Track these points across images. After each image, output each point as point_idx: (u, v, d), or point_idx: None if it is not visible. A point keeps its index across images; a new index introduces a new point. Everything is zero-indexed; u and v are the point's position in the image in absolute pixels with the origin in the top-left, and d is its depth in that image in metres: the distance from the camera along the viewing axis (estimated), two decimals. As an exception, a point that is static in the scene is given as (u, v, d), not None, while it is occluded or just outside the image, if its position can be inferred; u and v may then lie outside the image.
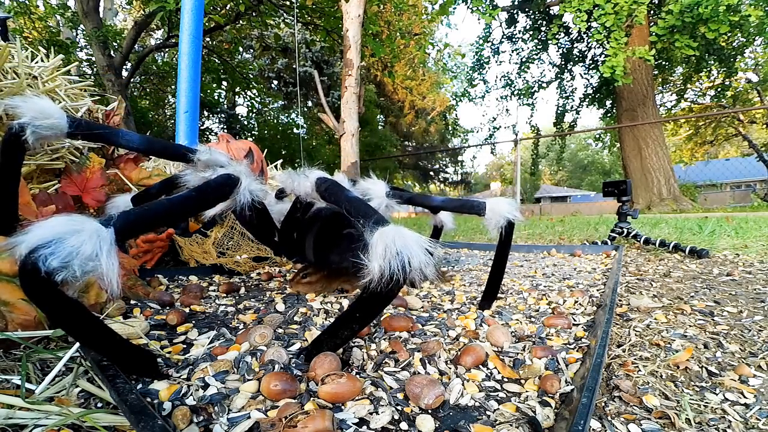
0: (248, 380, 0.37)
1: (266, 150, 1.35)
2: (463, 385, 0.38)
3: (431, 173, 15.88)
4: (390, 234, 0.34)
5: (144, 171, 1.00)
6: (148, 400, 0.33)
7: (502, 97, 8.68)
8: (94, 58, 5.65)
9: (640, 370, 0.46)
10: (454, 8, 6.73)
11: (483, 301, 0.64)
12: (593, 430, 0.34)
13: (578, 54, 7.92)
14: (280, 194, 0.76)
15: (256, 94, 9.45)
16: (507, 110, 9.03)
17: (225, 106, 10.11)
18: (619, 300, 0.78)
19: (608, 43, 4.73)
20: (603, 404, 0.39)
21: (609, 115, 8.15)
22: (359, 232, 0.38)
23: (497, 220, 0.59)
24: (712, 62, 6.37)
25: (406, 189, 0.79)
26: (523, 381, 0.40)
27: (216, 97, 9.48)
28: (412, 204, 0.68)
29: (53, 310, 0.28)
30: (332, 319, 0.57)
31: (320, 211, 0.64)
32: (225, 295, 0.72)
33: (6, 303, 0.45)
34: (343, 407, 0.33)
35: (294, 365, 0.41)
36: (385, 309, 0.47)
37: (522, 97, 8.27)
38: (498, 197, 0.61)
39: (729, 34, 5.29)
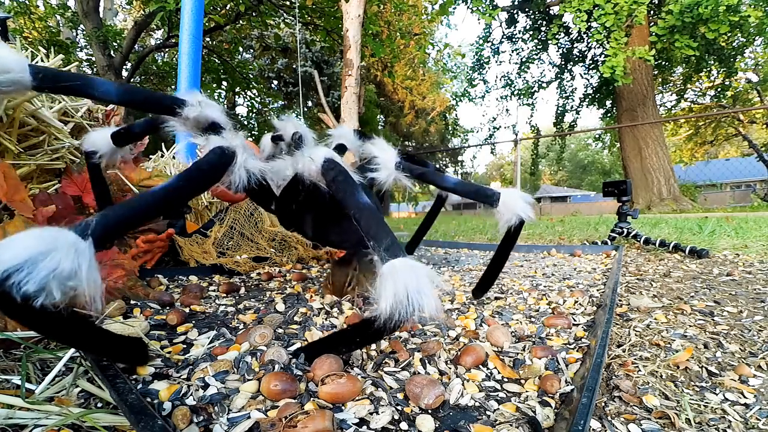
0: (248, 380, 0.37)
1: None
2: (463, 385, 0.38)
3: (431, 173, 15.85)
4: (402, 273, 0.32)
5: (144, 171, 1.00)
6: (148, 400, 0.33)
7: (502, 97, 8.69)
8: (94, 58, 5.65)
9: (640, 370, 0.46)
10: (454, 8, 6.73)
11: (476, 290, 0.62)
12: (593, 430, 0.34)
13: (578, 54, 7.92)
14: (277, 139, 0.68)
15: (256, 94, 9.45)
16: (507, 110, 9.04)
17: (225, 106, 10.10)
18: (619, 300, 0.78)
19: (608, 43, 4.73)
20: (603, 404, 0.39)
21: (609, 115, 8.15)
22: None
23: (509, 217, 0.55)
24: (712, 62, 6.38)
25: (422, 159, 0.70)
26: (523, 381, 0.40)
27: (216, 97, 9.48)
28: (423, 181, 0.61)
29: (39, 327, 0.27)
30: (332, 320, 0.57)
31: (320, 187, 0.59)
32: (225, 295, 0.72)
33: (6, 303, 0.45)
34: (343, 407, 0.33)
35: (294, 365, 0.40)
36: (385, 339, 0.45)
37: (522, 97, 8.28)
38: (513, 189, 0.56)
39: (729, 34, 5.30)
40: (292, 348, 0.45)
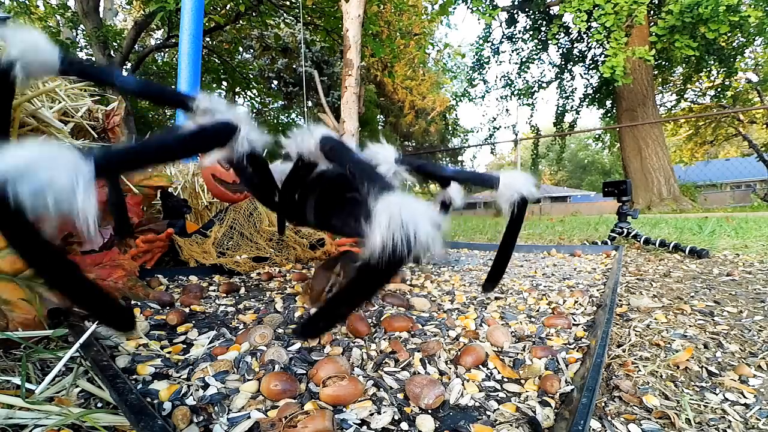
0: (248, 380, 0.37)
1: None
2: (463, 385, 0.38)
3: (431, 173, 15.85)
4: (396, 203, 0.31)
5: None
6: (148, 400, 0.33)
7: (502, 97, 8.68)
8: (94, 58, 5.65)
9: (640, 370, 0.46)
10: (454, 8, 6.73)
11: (487, 283, 0.62)
12: (593, 430, 0.34)
13: (578, 54, 7.92)
14: (286, 158, 0.72)
15: (256, 94, 9.44)
16: (507, 110, 9.03)
17: (225, 106, 10.08)
18: (619, 300, 0.78)
19: (608, 43, 4.74)
20: (603, 404, 0.39)
21: (609, 115, 8.15)
22: (363, 197, 0.34)
23: (510, 195, 0.55)
24: (712, 62, 6.37)
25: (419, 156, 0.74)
26: (523, 381, 0.40)
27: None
28: (422, 173, 0.63)
29: (21, 244, 0.26)
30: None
31: (324, 172, 0.60)
32: (225, 295, 0.72)
33: (7, 302, 0.45)
34: (345, 408, 0.33)
35: (294, 365, 0.40)
36: (385, 286, 0.44)
37: (522, 97, 8.27)
38: (513, 171, 0.57)
39: (729, 34, 5.29)
40: (293, 348, 0.45)
